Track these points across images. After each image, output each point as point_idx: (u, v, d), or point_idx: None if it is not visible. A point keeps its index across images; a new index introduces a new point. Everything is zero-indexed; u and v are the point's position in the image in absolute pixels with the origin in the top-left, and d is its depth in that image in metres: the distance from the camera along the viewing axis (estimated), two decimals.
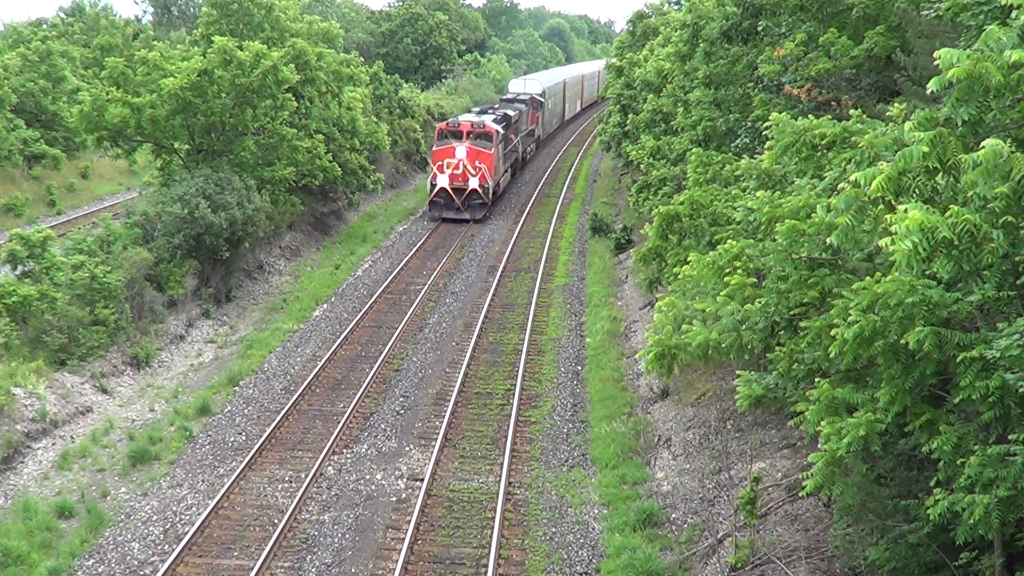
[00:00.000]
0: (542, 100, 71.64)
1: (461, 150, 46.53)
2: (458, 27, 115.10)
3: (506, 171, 54.43)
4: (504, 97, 69.35)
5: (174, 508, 19.37)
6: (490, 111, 55.99)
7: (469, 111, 59.95)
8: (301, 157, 39.29)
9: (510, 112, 57.07)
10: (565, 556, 17.98)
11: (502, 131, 50.67)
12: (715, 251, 14.79)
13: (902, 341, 10.63)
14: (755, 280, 14.01)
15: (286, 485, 20.35)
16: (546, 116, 76.23)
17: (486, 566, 17.35)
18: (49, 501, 19.43)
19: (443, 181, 46.78)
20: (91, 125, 36.54)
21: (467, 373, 27.09)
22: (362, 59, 49.56)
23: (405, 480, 20.86)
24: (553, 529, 18.95)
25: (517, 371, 27.28)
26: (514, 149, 57.75)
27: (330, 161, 41.67)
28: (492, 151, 47.46)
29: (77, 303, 27.02)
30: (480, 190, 47.09)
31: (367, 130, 47.31)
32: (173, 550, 17.52)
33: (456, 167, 46.59)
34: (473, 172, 46.68)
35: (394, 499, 20.03)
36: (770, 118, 14.36)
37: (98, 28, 67.65)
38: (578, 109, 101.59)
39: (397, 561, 17.34)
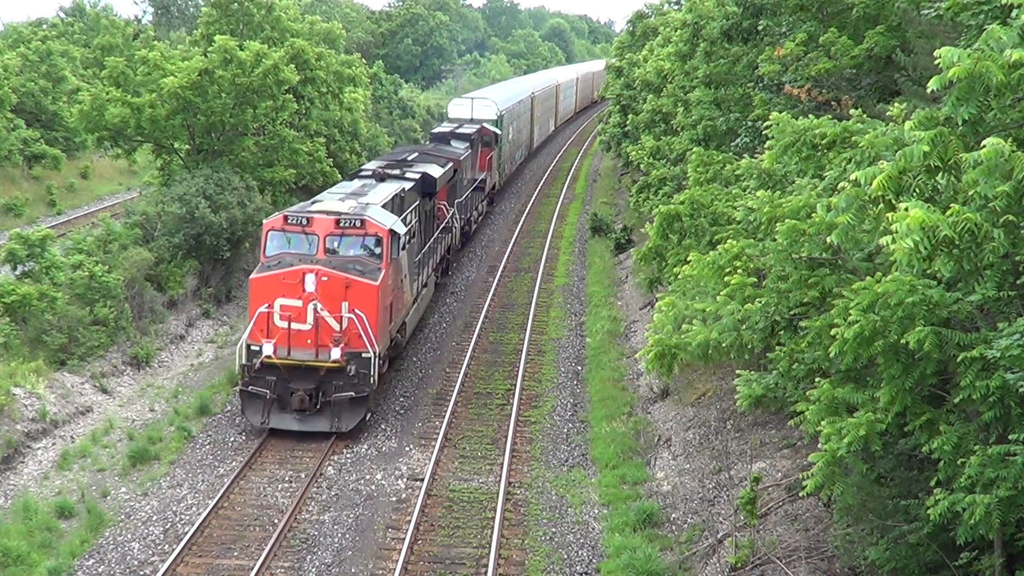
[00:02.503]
0: (497, 131, 49.19)
1: (311, 280, 22.03)
2: (458, 27, 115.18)
3: (421, 292, 28.97)
4: (438, 131, 44.75)
5: (174, 508, 19.36)
6: (396, 170, 30.41)
7: (357, 175, 30.33)
8: (302, 159, 39.32)
9: (435, 169, 32.34)
10: (565, 556, 17.97)
11: (409, 225, 26.40)
12: (715, 251, 14.79)
13: (902, 341, 10.62)
14: (755, 280, 14.00)
15: (286, 485, 20.34)
16: (505, 152, 52.80)
17: (486, 566, 17.34)
18: (49, 501, 19.42)
19: (270, 348, 22.09)
20: (91, 125, 36.58)
21: (467, 373, 27.09)
22: (364, 60, 49.32)
23: (405, 480, 20.85)
24: (553, 529, 18.94)
25: (517, 371, 27.28)
26: (447, 229, 34.76)
27: (330, 166, 41.71)
28: (379, 278, 22.76)
29: (77, 303, 27.03)
30: (351, 365, 22.20)
31: (368, 133, 47.36)
32: (173, 550, 17.51)
33: (299, 317, 22.09)
34: (337, 329, 22.12)
35: (394, 499, 20.02)
36: (770, 117, 14.36)
37: (98, 28, 67.67)
38: (551, 129, 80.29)
39: (397, 561, 17.33)
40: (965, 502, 10.11)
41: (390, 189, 26.86)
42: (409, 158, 33.73)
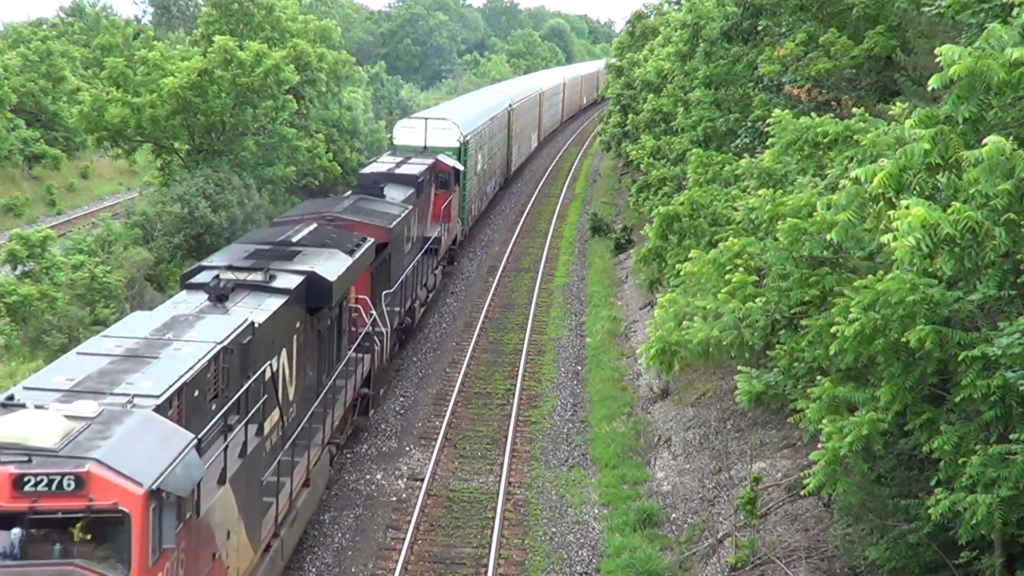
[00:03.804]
0: (459, 166, 36.52)
1: None
2: (458, 27, 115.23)
3: (291, 513, 15.96)
4: (369, 171, 31.27)
5: None
6: (258, 271, 16.60)
7: (188, 281, 16.53)
8: (301, 157, 39.40)
9: (334, 263, 18.45)
10: (565, 556, 17.97)
11: (255, 410, 13.87)
12: (716, 249, 14.79)
13: (903, 339, 10.61)
14: (756, 278, 14.00)
15: None
16: (471, 189, 41.04)
17: (486, 566, 17.32)
18: None
19: None
20: (91, 125, 36.67)
21: (467, 373, 27.07)
22: (354, 59, 49.15)
23: (405, 480, 20.84)
24: (553, 529, 18.93)
25: (517, 371, 27.26)
26: (368, 339, 22.09)
27: (330, 160, 41.78)
28: None
29: (77, 303, 27.06)
30: None
31: (367, 129, 47.39)
32: None
33: None
34: None
35: (394, 499, 20.00)
36: (773, 115, 14.36)
37: (98, 28, 67.79)
38: (534, 145, 67.44)
39: (397, 561, 17.31)
40: (966, 502, 10.09)
41: (224, 329, 13.63)
42: (296, 238, 19.59)
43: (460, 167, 36.52)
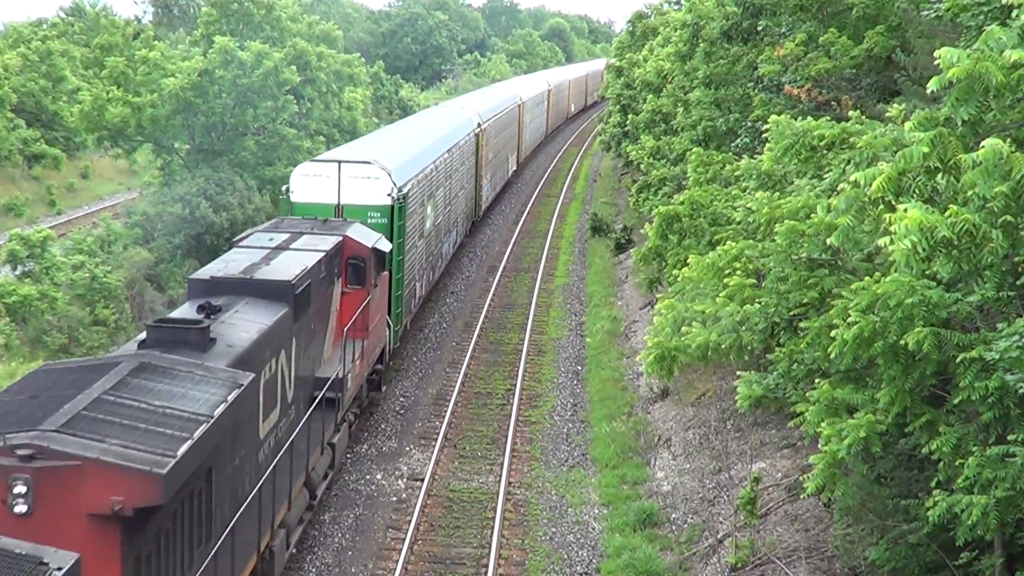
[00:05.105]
0: (385, 247, 21.83)
1: None
2: (458, 27, 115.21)
3: None
4: (205, 276, 15.92)
5: None
6: None
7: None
8: (302, 158, 39.45)
9: None
10: (565, 556, 17.99)
11: None
12: (715, 252, 14.80)
13: (902, 342, 10.62)
14: (755, 281, 14.01)
15: None
16: (417, 259, 28.27)
17: (486, 566, 17.34)
18: None
19: None
20: (91, 125, 36.76)
21: (467, 373, 27.08)
22: (363, 59, 49.30)
23: (405, 480, 20.86)
24: (553, 529, 18.95)
25: (517, 371, 27.27)
26: None
27: None
28: None
29: (77, 303, 27.12)
30: None
31: (368, 131, 47.44)
32: None
33: None
34: None
35: (394, 499, 20.03)
36: (769, 120, 14.37)
37: (98, 28, 67.78)
38: (511, 170, 54.51)
39: (397, 561, 17.34)
40: (963, 503, 10.11)
41: None
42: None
43: (386, 246, 22.26)
